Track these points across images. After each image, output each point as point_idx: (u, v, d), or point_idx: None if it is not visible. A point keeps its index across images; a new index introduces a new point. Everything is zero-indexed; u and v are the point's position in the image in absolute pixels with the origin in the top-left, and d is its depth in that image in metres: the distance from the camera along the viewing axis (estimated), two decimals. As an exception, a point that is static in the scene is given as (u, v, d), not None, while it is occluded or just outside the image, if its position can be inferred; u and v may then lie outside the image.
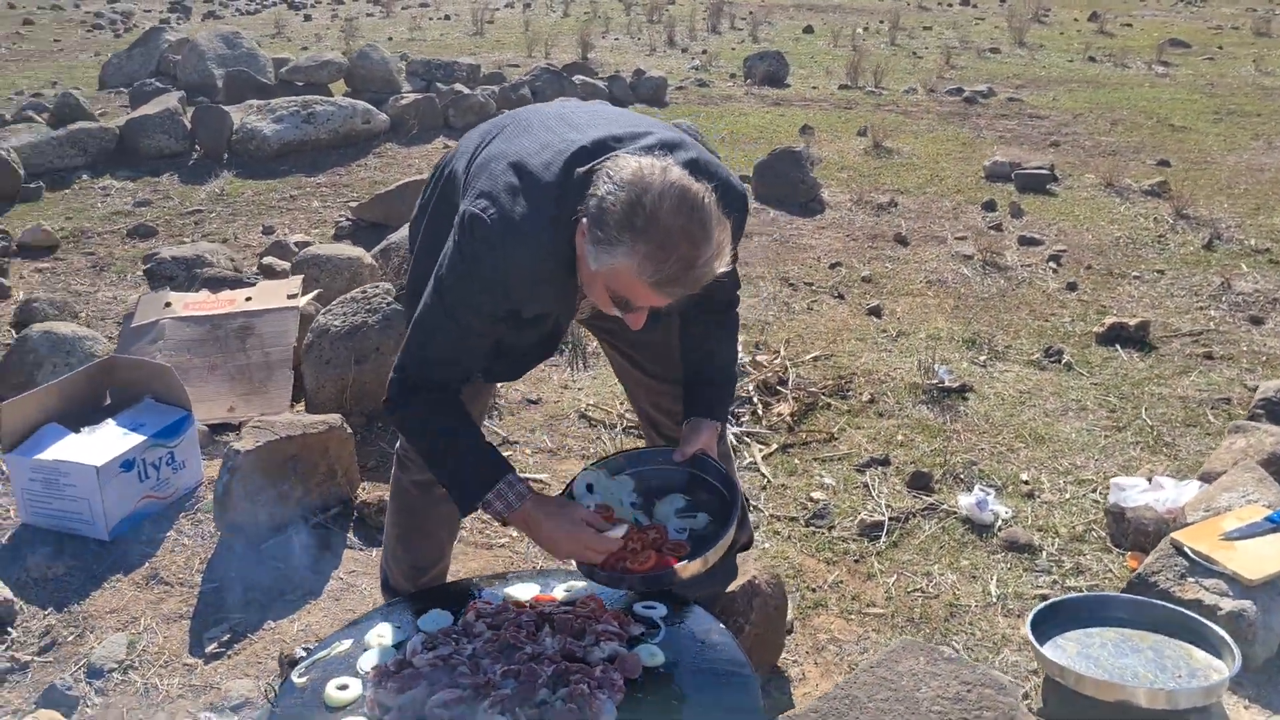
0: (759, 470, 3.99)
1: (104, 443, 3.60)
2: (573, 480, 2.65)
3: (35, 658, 3.04)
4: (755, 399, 4.44)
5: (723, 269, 2.12)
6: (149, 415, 3.78)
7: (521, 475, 2.41)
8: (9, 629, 3.13)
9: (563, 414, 4.40)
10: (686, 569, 2.39)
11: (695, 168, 2.23)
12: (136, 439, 3.63)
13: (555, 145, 2.25)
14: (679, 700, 2.32)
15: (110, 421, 3.72)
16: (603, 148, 2.23)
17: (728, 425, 3.12)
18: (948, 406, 4.48)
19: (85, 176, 7.60)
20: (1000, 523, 3.64)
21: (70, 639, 3.12)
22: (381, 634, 2.53)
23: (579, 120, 2.36)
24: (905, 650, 2.26)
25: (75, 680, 2.93)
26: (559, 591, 2.67)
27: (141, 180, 7.56)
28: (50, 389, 3.73)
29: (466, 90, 9.21)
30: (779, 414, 4.37)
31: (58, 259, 6.22)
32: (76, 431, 3.66)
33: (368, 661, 2.44)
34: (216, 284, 4.85)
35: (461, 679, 2.32)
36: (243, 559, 3.40)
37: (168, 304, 4.47)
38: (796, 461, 4.08)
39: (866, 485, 3.89)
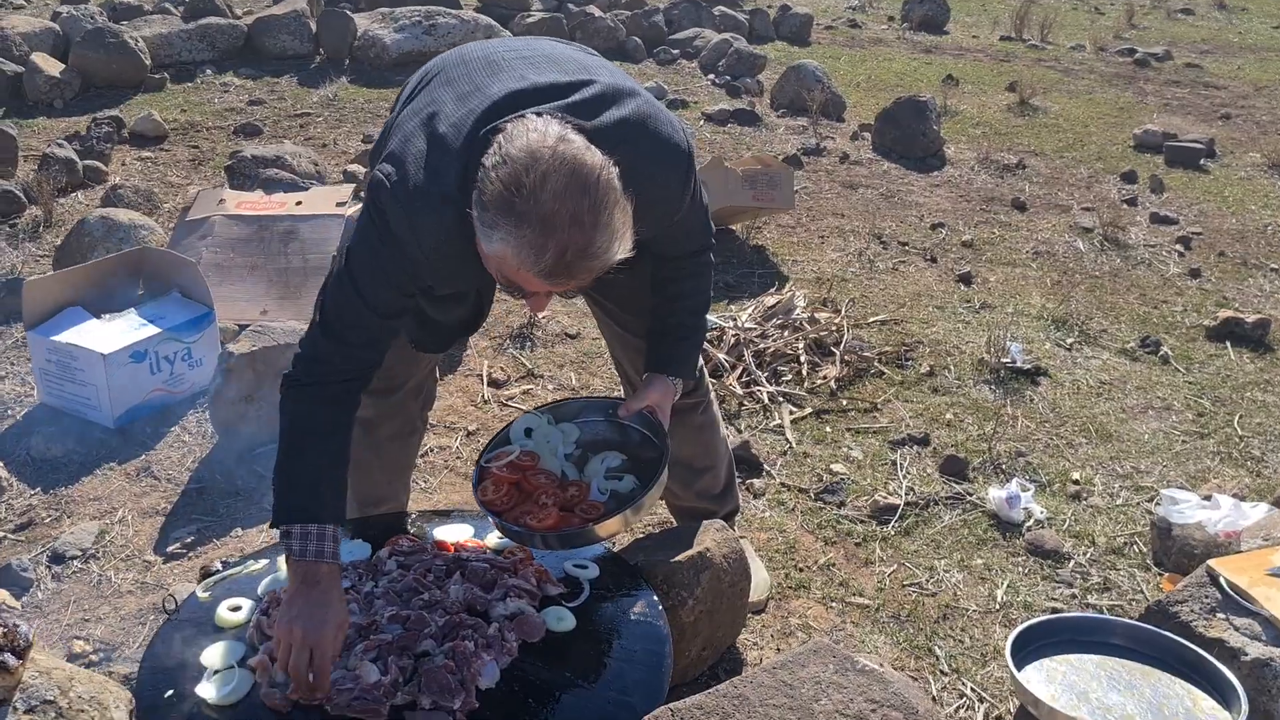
0: (784, 434, 3.73)
1: (120, 331, 3.61)
2: (512, 421, 2.48)
3: (7, 534, 3.07)
4: (803, 358, 4.15)
5: (623, 254, 1.88)
6: (172, 309, 3.78)
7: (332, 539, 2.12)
8: (-7, 504, 3.17)
9: (598, 352, 4.21)
10: (586, 531, 2.20)
11: (624, 127, 2.01)
12: (151, 331, 3.63)
13: (470, 101, 2.02)
14: (573, 672, 2.14)
15: (132, 311, 3.73)
16: (514, 103, 1.98)
17: (710, 401, 2.86)
18: (1013, 389, 4.10)
19: (209, 72, 7.73)
20: (1031, 523, 3.29)
21: (47, 521, 3.15)
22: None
23: (507, 65, 2.11)
24: (815, 654, 2.02)
25: (35, 563, 2.95)
26: (491, 539, 2.52)
27: (261, 80, 7.64)
28: (76, 271, 3.76)
29: (598, 13, 8.97)
30: (824, 376, 4.08)
31: (162, 149, 6.34)
32: (98, 317, 3.68)
33: (266, 586, 2.34)
34: (273, 185, 4.83)
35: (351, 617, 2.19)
36: (226, 464, 3.36)
37: (221, 201, 4.46)
38: (828, 429, 3.79)
39: (895, 464, 3.58)
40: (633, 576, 2.44)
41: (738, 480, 3.06)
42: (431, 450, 3.57)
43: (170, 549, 3.05)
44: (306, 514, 2.09)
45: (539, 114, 1.91)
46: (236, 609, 2.27)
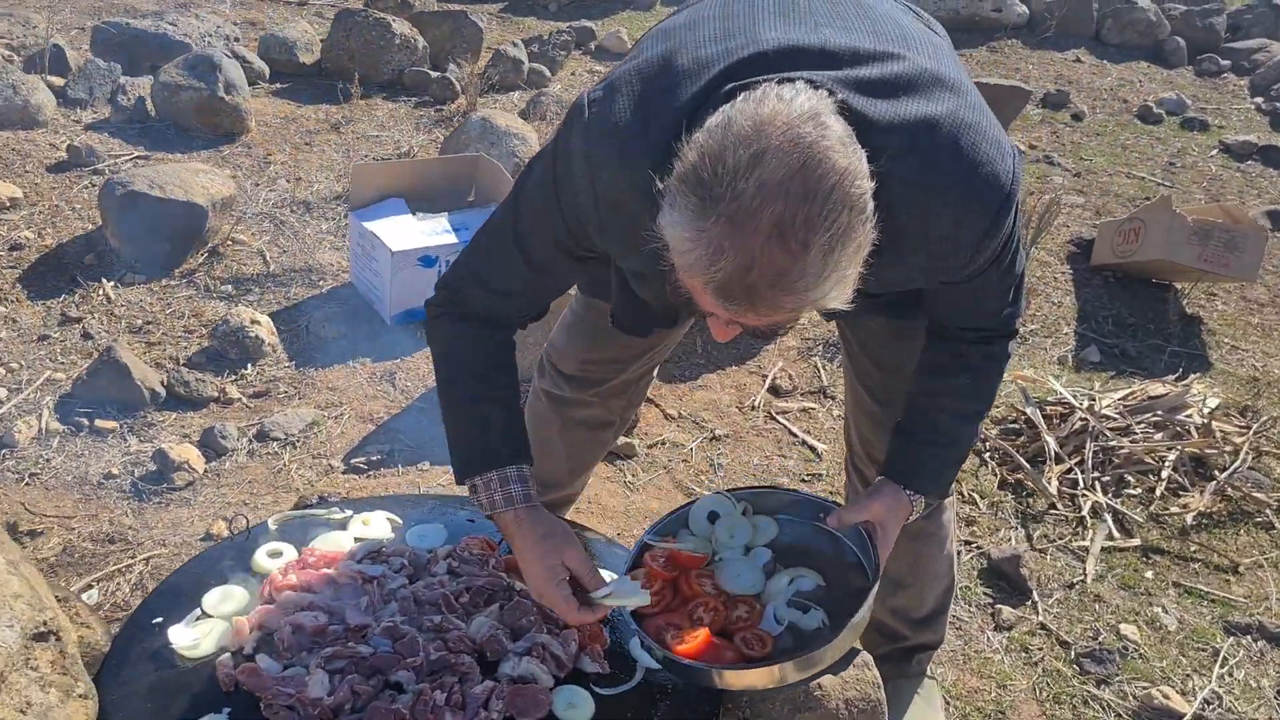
0: (1083, 561, 2.88)
1: (420, 232, 3.58)
2: (696, 500, 2.00)
3: (244, 398, 3.17)
4: (1165, 474, 3.19)
5: (833, 303, 1.34)
6: (483, 222, 3.69)
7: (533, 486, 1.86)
8: (249, 364, 3.29)
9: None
10: (729, 675, 1.73)
11: (922, 130, 1.45)
12: (448, 240, 3.57)
13: (733, 40, 1.51)
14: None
15: (444, 215, 3.70)
16: (789, 60, 1.46)
17: (941, 507, 2.19)
18: None
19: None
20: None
21: (280, 395, 3.21)
22: (366, 521, 2.19)
23: (804, 8, 1.58)
24: None
25: (242, 434, 3.00)
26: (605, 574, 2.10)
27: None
28: (403, 164, 3.79)
29: (1141, 1, 7.69)
30: (1183, 505, 3.11)
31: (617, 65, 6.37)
32: (414, 214, 3.69)
33: (318, 542, 2.12)
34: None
35: (349, 612, 1.92)
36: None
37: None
38: (1149, 575, 2.87)
39: (1217, 655, 2.63)
40: (704, 688, 1.91)
41: (953, 607, 2.38)
42: (661, 442, 3.19)
43: (355, 461, 2.97)
44: (480, 463, 1.83)
45: (811, 81, 1.40)
46: (276, 555, 2.08)
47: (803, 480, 3.11)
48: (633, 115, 1.50)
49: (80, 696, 1.73)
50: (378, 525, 2.19)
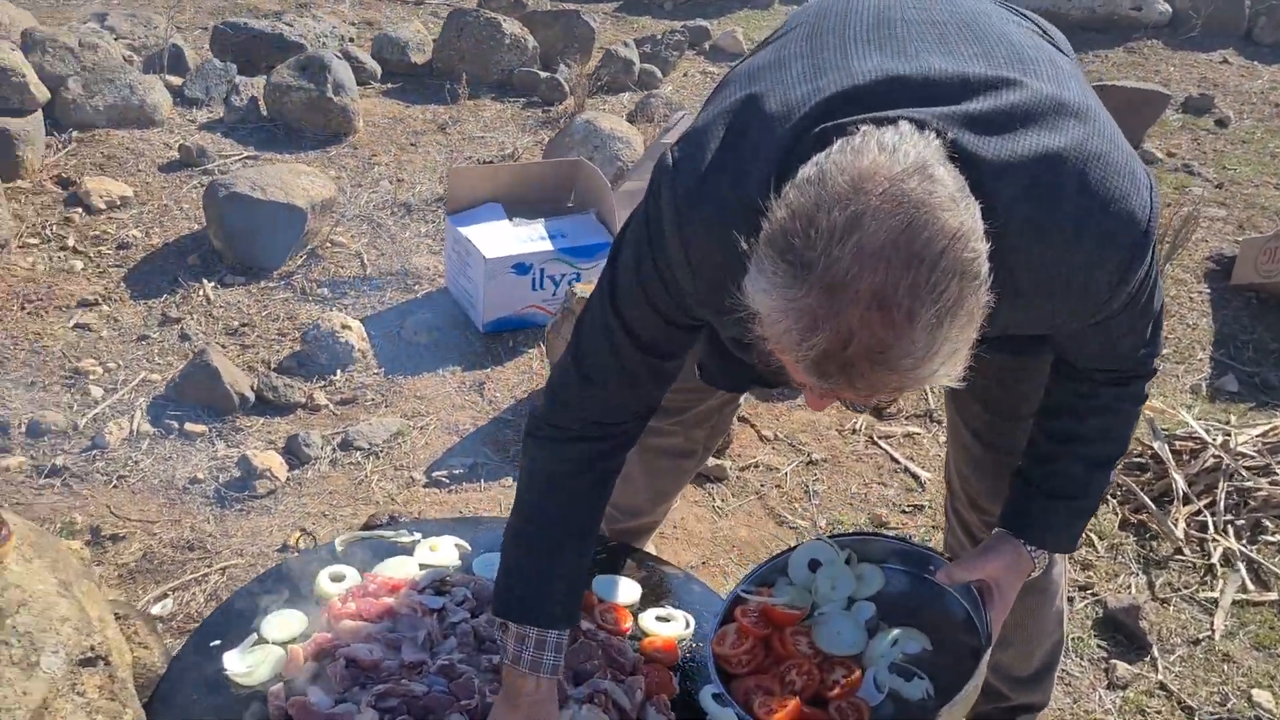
0: (1211, 615, 2.63)
1: (516, 239, 3.51)
2: (796, 546, 1.85)
3: (331, 405, 3.14)
4: (1309, 519, 2.91)
5: (943, 380, 1.20)
6: (580, 230, 3.60)
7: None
8: (339, 370, 3.26)
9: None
10: None
11: (1044, 168, 1.28)
12: (543, 247, 3.48)
13: (823, 77, 1.37)
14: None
15: (541, 222, 3.61)
16: (887, 92, 1.32)
17: (1053, 559, 1.98)
18: None
19: None
20: None
21: (367, 403, 3.17)
22: (433, 547, 2.11)
23: (901, 31, 1.43)
24: None
25: (326, 441, 2.96)
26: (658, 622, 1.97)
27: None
28: (501, 168, 3.72)
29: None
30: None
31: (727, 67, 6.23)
32: (510, 219, 3.61)
33: (382, 566, 2.05)
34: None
35: (405, 646, 1.83)
36: (537, 405, 3.14)
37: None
38: (1270, 633, 2.61)
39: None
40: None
41: (1061, 662, 2.18)
42: (754, 465, 3.04)
43: (437, 474, 2.90)
44: (527, 613, 1.66)
45: (916, 121, 1.24)
46: (339, 579, 2.02)
47: (903, 511, 2.92)
48: (720, 171, 1.36)
49: (128, 723, 1.69)
50: (445, 551, 2.11)
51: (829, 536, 1.83)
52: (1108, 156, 1.32)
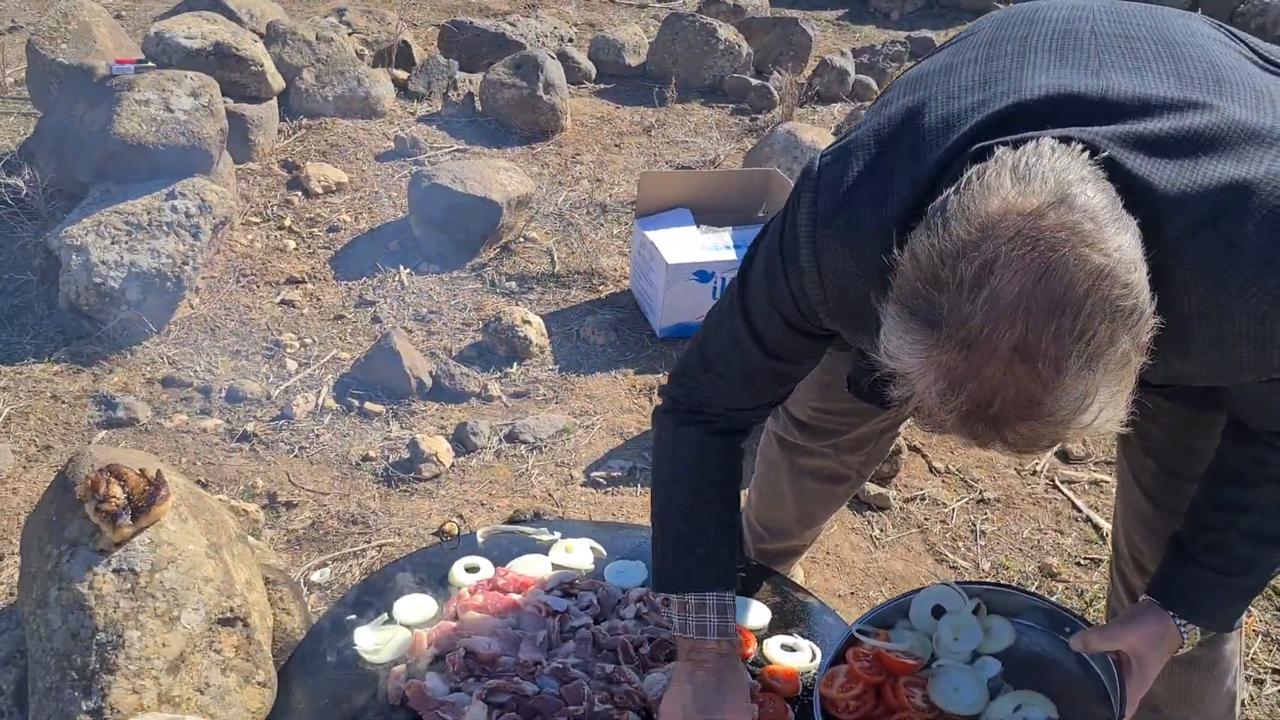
0: None
1: (700, 245, 3.50)
2: (921, 589, 1.77)
3: (504, 397, 3.21)
4: None
5: (1105, 426, 1.12)
6: (766, 240, 3.55)
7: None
8: (515, 363, 3.33)
9: None
10: None
11: (1229, 201, 1.15)
12: (727, 255, 3.45)
13: (990, 89, 1.29)
14: None
15: (729, 230, 3.59)
16: (1055, 111, 1.23)
17: (1224, 636, 1.79)
18: None
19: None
20: None
21: (539, 397, 3.22)
22: (569, 548, 2.13)
23: (1086, 44, 1.33)
24: None
25: (491, 432, 3.04)
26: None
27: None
28: (693, 174, 3.71)
29: None
30: None
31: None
32: (698, 226, 3.61)
33: (516, 563, 2.07)
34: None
35: (524, 644, 1.85)
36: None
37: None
38: None
39: None
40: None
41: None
42: (920, 497, 2.91)
43: (595, 475, 2.92)
44: (680, 583, 1.68)
45: (1075, 141, 1.16)
46: (473, 570, 2.06)
47: (1078, 564, 2.73)
48: (865, 187, 1.30)
49: (259, 684, 1.77)
50: (580, 554, 2.11)
51: (958, 583, 1.72)
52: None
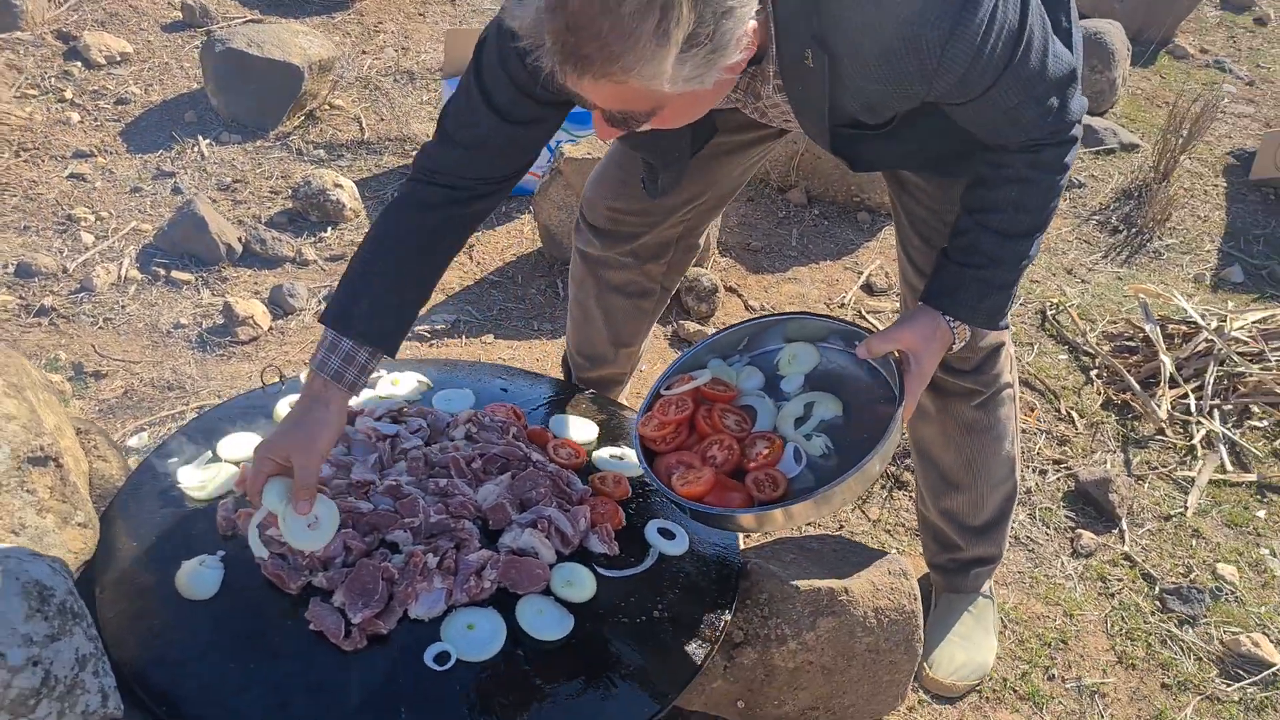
0: (1185, 493, 2.62)
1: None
2: (732, 326, 1.86)
3: (320, 261, 3.13)
4: (1298, 406, 2.87)
5: (657, 82, 1.23)
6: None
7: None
8: (329, 228, 3.25)
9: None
10: (727, 517, 1.64)
11: None
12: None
13: None
14: (520, 646, 1.62)
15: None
16: None
17: (998, 400, 2.00)
18: None
19: None
20: None
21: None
22: (395, 381, 2.13)
23: None
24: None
25: (310, 294, 2.97)
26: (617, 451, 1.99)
27: None
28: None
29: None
30: (1314, 443, 2.79)
31: None
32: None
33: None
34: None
35: (355, 467, 1.85)
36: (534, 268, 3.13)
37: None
38: (1260, 515, 2.60)
39: (1325, 605, 2.36)
40: (723, 576, 1.79)
41: (1013, 523, 2.18)
42: (738, 334, 3.02)
43: (419, 329, 2.91)
44: (340, 320, 1.69)
45: None
46: (298, 407, 2.03)
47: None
48: None
49: (79, 524, 1.72)
50: (406, 386, 2.12)
51: (772, 315, 1.86)
52: None
